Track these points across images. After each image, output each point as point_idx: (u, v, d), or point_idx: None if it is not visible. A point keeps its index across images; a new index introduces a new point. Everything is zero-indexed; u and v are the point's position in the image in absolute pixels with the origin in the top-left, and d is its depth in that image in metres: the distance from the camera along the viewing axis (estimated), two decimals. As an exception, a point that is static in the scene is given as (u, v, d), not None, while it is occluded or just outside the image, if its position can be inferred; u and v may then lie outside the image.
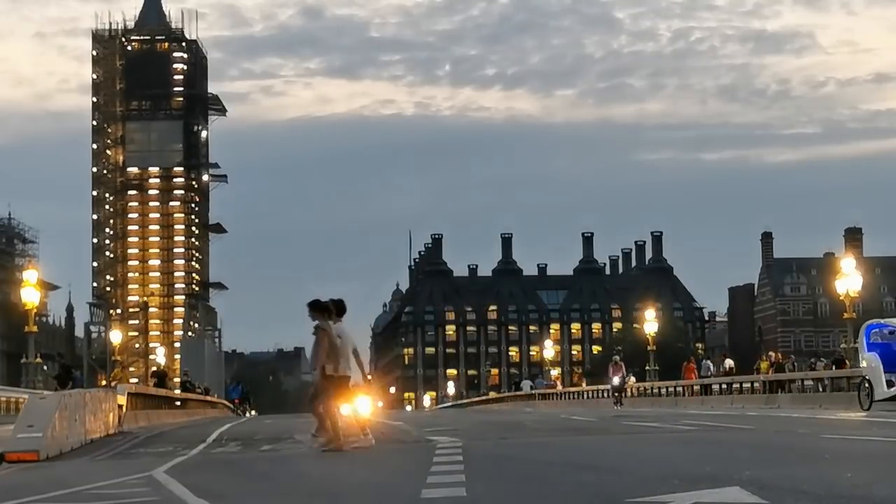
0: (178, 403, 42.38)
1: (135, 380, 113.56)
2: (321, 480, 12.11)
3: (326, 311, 16.13)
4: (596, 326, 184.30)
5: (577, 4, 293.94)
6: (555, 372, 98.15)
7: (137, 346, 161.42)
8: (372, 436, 16.83)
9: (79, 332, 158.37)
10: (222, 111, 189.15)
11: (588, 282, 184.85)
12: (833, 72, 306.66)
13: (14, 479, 14.02)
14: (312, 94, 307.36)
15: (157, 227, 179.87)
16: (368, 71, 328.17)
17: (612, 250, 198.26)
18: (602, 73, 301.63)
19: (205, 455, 17.29)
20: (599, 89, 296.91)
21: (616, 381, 44.73)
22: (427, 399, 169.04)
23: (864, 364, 25.99)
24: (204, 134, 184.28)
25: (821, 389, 33.23)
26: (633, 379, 50.70)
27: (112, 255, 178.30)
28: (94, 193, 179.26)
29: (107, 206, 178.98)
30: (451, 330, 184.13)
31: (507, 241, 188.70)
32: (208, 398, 56.81)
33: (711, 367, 52.02)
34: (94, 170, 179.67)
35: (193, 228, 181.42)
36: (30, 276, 41.48)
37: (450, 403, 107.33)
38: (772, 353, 48.51)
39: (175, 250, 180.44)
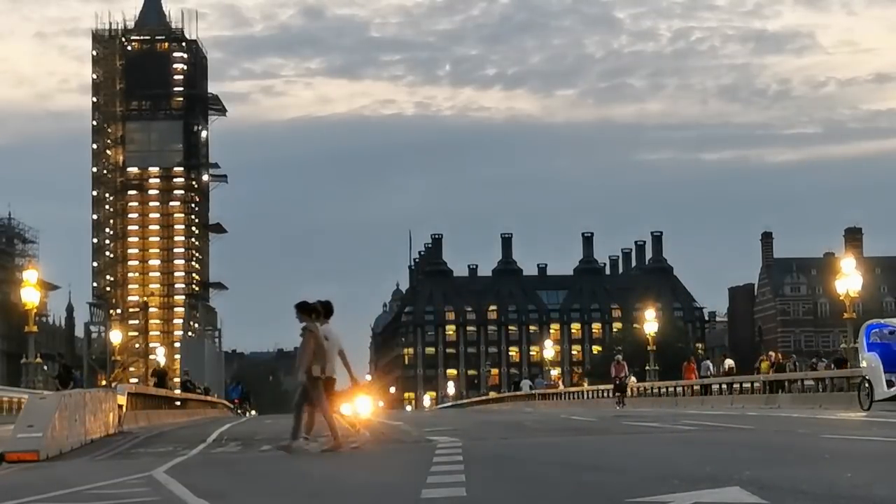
0: (178, 403, 42.37)
1: (135, 380, 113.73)
2: (321, 480, 12.11)
3: (314, 312, 16.13)
4: (596, 326, 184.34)
5: (578, 4, 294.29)
6: (555, 372, 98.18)
7: (137, 346, 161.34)
8: (365, 430, 16.77)
9: (79, 332, 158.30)
10: (222, 111, 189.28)
11: (588, 282, 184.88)
12: (833, 72, 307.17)
13: (14, 479, 14.02)
14: (313, 94, 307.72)
15: (157, 227, 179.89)
16: (369, 71, 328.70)
17: (612, 250, 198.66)
18: (602, 73, 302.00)
19: (205, 455, 17.29)
20: (600, 89, 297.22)
21: (618, 380, 44.66)
22: (427, 399, 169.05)
23: (864, 364, 25.99)
24: (204, 134, 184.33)
25: (821, 389, 33.21)
26: (633, 379, 50.67)
27: (112, 255, 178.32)
28: (94, 193, 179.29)
29: (107, 206, 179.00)
30: (451, 330, 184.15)
31: (507, 241, 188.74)
32: (208, 398, 56.81)
33: (711, 368, 52.01)
34: (94, 170, 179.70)
35: (193, 228, 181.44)
36: (30, 276, 41.48)
37: (450, 403, 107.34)
38: (772, 354, 48.44)
39: (175, 250, 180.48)
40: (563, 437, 19.19)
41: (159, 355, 73.64)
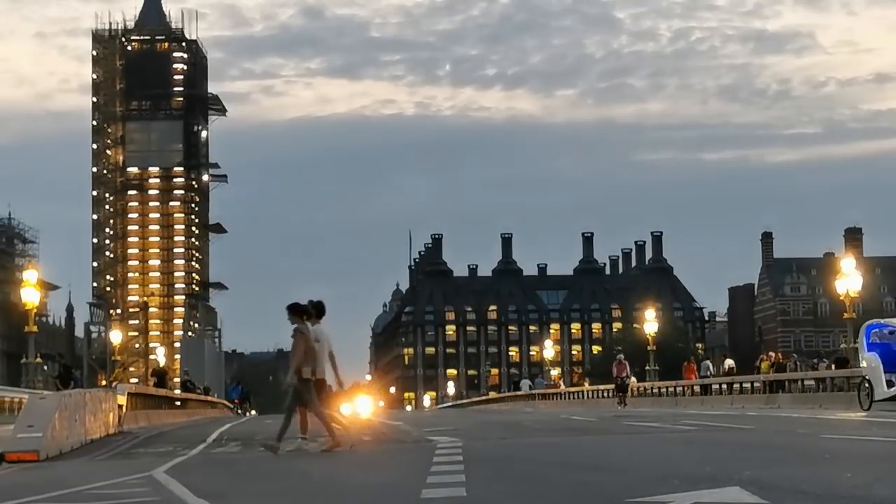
0: (178, 403, 42.39)
1: (135, 380, 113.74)
2: (321, 480, 12.11)
3: (305, 313, 16.12)
4: (596, 326, 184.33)
5: (578, 4, 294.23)
6: (555, 372, 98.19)
7: (137, 346, 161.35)
8: (308, 441, 16.65)
9: (79, 332, 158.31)
10: (222, 111, 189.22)
11: (588, 282, 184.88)
12: (833, 72, 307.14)
13: (14, 479, 14.02)
14: (313, 94, 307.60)
15: (157, 227, 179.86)
16: (369, 71, 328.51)
17: (612, 250, 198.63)
18: (602, 73, 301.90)
19: (205, 455, 17.29)
20: (600, 89, 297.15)
21: (620, 380, 44.54)
22: (427, 399, 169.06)
23: (864, 364, 25.99)
24: (204, 134, 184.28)
25: (821, 389, 33.20)
26: (633, 380, 50.62)
27: (112, 255, 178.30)
28: (94, 193, 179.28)
29: (107, 206, 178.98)
30: (451, 330, 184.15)
31: (507, 241, 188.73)
32: (208, 398, 56.82)
33: (711, 368, 52.01)
34: (94, 170, 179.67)
35: (193, 228, 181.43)
36: (30, 276, 41.49)
37: (450, 403, 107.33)
38: (772, 354, 48.44)
39: (175, 250, 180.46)
40: (563, 437, 19.20)
41: (159, 355, 73.69)
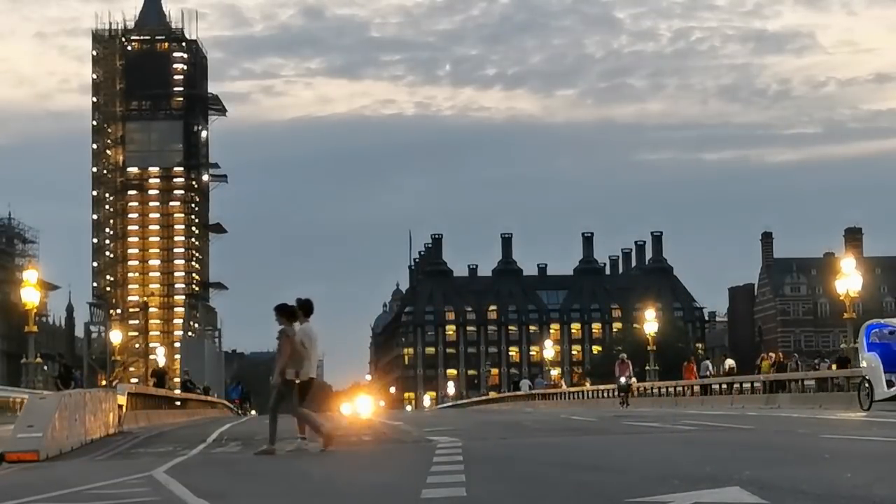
0: (178, 403, 42.40)
1: (135, 380, 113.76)
2: (321, 481, 12.12)
3: (293, 314, 16.09)
4: (596, 326, 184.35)
5: (578, 4, 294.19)
6: (555, 372, 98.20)
7: (137, 346, 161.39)
8: (308, 440, 16.62)
9: (79, 332, 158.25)
10: (222, 111, 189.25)
11: (588, 282, 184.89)
12: (833, 72, 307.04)
13: (14, 479, 14.02)
14: (313, 94, 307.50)
15: (157, 227, 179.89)
16: (369, 71, 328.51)
17: (612, 250, 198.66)
18: (602, 73, 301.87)
19: (205, 455, 17.29)
20: (600, 89, 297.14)
21: (623, 380, 44.39)
22: (427, 399, 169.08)
23: (864, 364, 25.99)
24: (204, 134, 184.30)
25: (821, 389, 33.21)
26: (634, 379, 50.55)
27: (112, 255, 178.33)
28: (94, 193, 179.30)
29: (107, 206, 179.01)
30: (451, 330, 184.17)
31: (507, 241, 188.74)
32: (208, 398, 56.83)
33: (710, 368, 51.98)
34: (94, 170, 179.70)
35: (193, 228, 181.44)
36: (30, 276, 41.49)
37: (450, 403, 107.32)
38: (772, 354, 48.45)
39: (175, 250, 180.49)
40: (563, 437, 19.20)
41: (159, 355, 73.69)
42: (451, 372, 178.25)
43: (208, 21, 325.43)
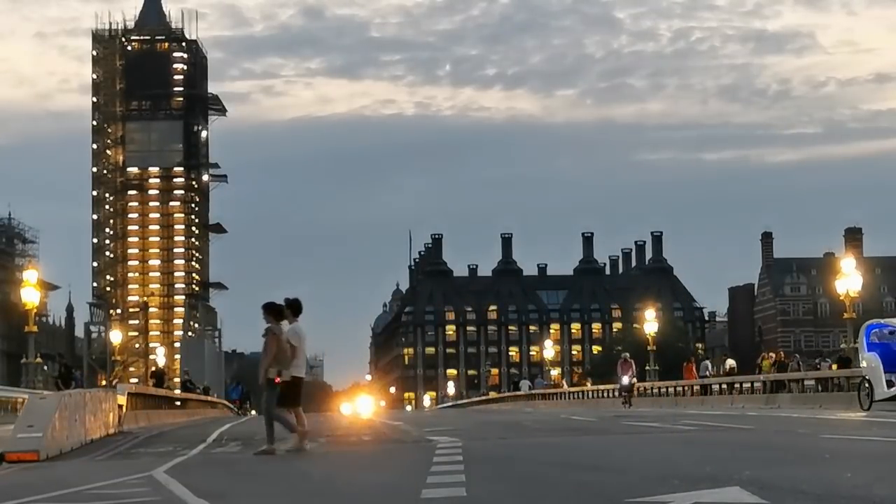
0: (178, 403, 42.40)
1: (135, 380, 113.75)
2: (321, 480, 12.12)
3: (281, 312, 16.07)
4: (596, 326, 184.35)
5: (578, 4, 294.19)
6: (555, 372, 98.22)
7: (137, 346, 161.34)
8: (307, 441, 16.60)
9: (79, 332, 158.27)
10: (222, 111, 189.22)
11: (588, 282, 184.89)
12: (833, 72, 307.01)
13: (14, 479, 14.02)
14: (313, 94, 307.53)
15: (157, 227, 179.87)
16: (369, 71, 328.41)
17: (612, 250, 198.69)
18: (602, 73, 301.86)
19: (205, 455, 17.29)
20: (600, 89, 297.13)
21: (625, 380, 44.17)
22: (427, 399, 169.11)
23: (864, 364, 25.99)
24: (204, 134, 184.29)
25: (821, 389, 33.21)
26: (634, 379, 50.47)
27: (112, 255, 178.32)
28: (94, 193, 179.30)
29: (107, 206, 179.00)
30: (451, 330, 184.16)
31: (507, 241, 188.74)
32: (208, 398, 56.84)
33: (710, 368, 51.92)
34: (94, 170, 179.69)
35: (193, 228, 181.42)
36: (30, 276, 41.48)
37: (450, 403, 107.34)
38: (772, 353, 48.42)
39: (175, 250, 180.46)
40: (563, 437, 19.20)
41: (159, 355, 73.72)
42: (451, 372, 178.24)
43: (208, 21, 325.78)
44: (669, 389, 46.44)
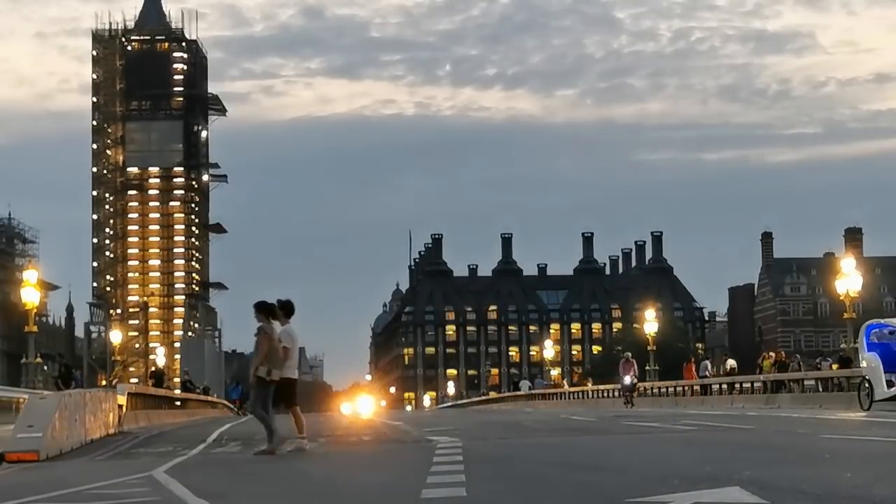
0: (178, 403, 42.41)
1: (135, 380, 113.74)
2: (321, 481, 12.12)
3: (272, 312, 16.05)
4: (596, 326, 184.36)
5: (578, 4, 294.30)
6: (555, 372, 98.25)
7: (137, 346, 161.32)
8: (307, 440, 16.59)
9: (79, 332, 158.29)
10: (222, 111, 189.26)
11: (588, 282, 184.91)
12: (833, 72, 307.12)
13: (14, 479, 14.01)
14: (313, 94, 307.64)
15: (157, 227, 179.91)
16: (369, 71, 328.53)
17: (612, 250, 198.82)
18: (602, 73, 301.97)
19: (205, 455, 17.28)
20: (600, 89, 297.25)
21: (627, 379, 44.07)
22: (427, 399, 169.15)
23: (864, 364, 25.98)
24: (204, 134, 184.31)
25: (821, 389, 33.21)
26: (635, 379, 50.39)
27: (112, 255, 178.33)
28: (94, 193, 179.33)
29: (107, 206, 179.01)
30: (451, 330, 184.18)
31: (507, 241, 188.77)
32: (208, 398, 56.83)
33: (709, 368, 51.89)
34: (94, 170, 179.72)
35: (193, 228, 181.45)
36: (30, 276, 41.48)
37: (450, 403, 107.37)
38: (772, 354, 48.40)
39: (175, 250, 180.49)
40: (563, 437, 19.20)
41: (159, 355, 73.74)
42: (451, 372, 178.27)
43: (208, 21, 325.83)
44: (669, 389, 46.45)
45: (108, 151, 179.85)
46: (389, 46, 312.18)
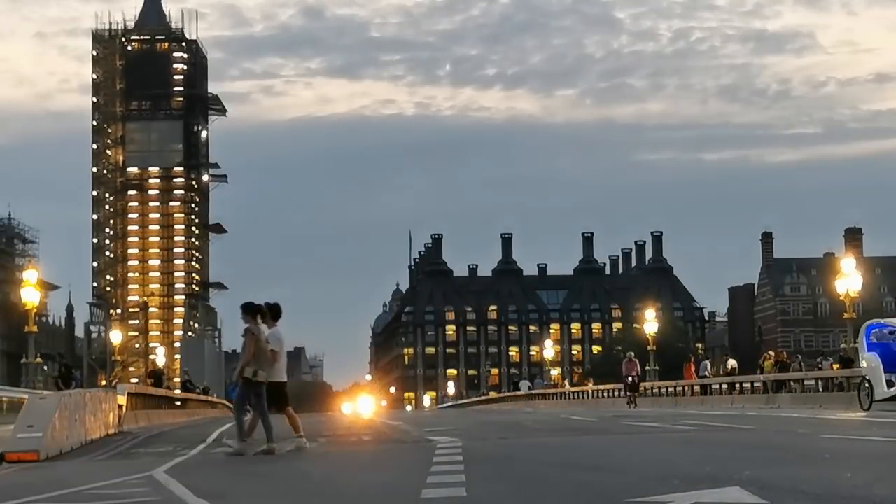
0: (178, 403, 42.41)
1: (135, 380, 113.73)
2: (321, 481, 12.12)
3: (260, 313, 16.01)
4: (596, 326, 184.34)
5: (578, 4, 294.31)
6: (555, 372, 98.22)
7: (137, 346, 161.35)
8: (306, 438, 16.60)
9: (79, 332, 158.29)
10: (222, 111, 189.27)
11: (588, 282, 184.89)
12: (833, 72, 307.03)
13: (14, 479, 14.01)
14: (313, 94, 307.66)
15: (157, 227, 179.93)
16: (369, 71, 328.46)
17: (612, 250, 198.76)
18: (602, 73, 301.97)
19: (205, 455, 17.29)
20: (600, 89, 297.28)
21: (630, 379, 44.00)
22: (427, 399, 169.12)
23: (864, 364, 25.97)
24: (204, 134, 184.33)
25: (821, 389, 33.21)
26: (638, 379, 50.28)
27: (112, 255, 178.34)
28: (94, 193, 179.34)
29: (107, 206, 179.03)
30: (451, 330, 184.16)
31: (507, 241, 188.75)
32: (208, 398, 56.82)
33: (709, 368, 51.86)
34: (94, 170, 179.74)
35: (193, 228, 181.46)
36: (30, 276, 41.49)
37: (450, 403, 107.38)
38: (772, 353, 48.40)
39: (175, 250, 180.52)
40: (563, 437, 19.20)
41: (159, 355, 73.71)
42: (451, 372, 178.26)
43: (208, 21, 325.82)
44: (669, 389, 46.43)
45: (108, 151, 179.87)
46: (389, 46, 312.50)
